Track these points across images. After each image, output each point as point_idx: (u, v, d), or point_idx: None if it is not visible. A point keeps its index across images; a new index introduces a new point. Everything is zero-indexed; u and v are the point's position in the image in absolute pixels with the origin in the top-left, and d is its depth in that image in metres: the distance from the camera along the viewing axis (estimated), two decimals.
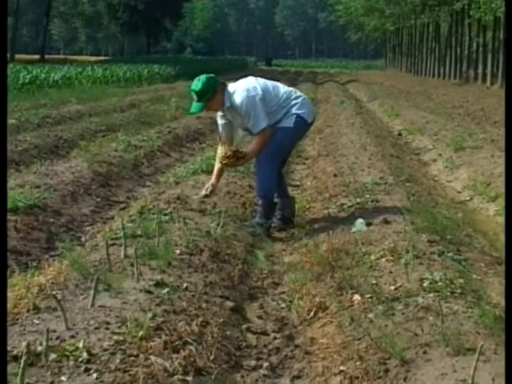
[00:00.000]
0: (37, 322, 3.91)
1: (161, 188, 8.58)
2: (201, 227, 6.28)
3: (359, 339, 4.03)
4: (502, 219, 7.10)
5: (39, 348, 3.42)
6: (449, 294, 4.41)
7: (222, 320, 4.46)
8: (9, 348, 3.50)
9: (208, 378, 3.66)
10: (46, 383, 3.17)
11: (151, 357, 3.56)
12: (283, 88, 7.12)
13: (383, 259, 5.30)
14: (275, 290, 5.54)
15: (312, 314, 4.77)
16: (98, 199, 8.60)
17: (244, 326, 4.66)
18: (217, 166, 7.22)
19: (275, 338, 4.53)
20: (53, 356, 3.39)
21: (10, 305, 4.15)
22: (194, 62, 63.81)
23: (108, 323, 3.89)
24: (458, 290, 4.45)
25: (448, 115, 18.83)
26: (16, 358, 3.35)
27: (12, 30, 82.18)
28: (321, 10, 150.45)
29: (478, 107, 22.46)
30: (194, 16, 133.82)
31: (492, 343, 3.63)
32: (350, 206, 7.25)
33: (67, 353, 3.46)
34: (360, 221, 6.44)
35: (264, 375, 4.02)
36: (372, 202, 7.26)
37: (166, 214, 6.52)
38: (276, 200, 7.15)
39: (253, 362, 4.16)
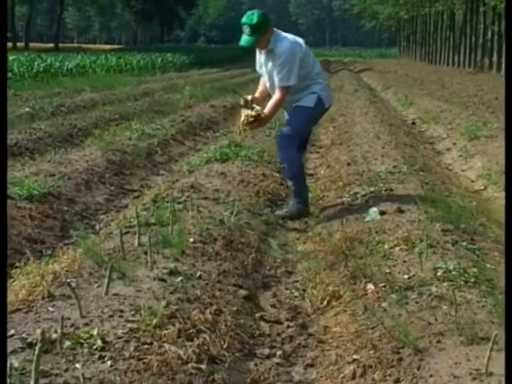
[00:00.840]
0: (51, 309, 3.93)
1: (174, 176, 8.59)
2: (214, 216, 6.28)
3: (373, 328, 4.03)
4: None
5: (54, 335, 3.43)
6: (463, 283, 4.40)
7: (235, 308, 4.46)
8: (24, 335, 3.53)
9: (222, 366, 3.67)
10: (60, 370, 3.18)
11: (165, 345, 3.57)
12: (318, 67, 7.23)
13: (397, 248, 5.29)
14: (288, 278, 5.54)
15: (325, 302, 4.77)
16: (112, 187, 8.62)
17: (257, 315, 4.67)
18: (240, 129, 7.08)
19: (288, 327, 4.53)
20: (67, 343, 3.40)
21: (24, 292, 4.18)
22: (207, 51, 63.81)
23: (122, 311, 3.90)
24: (472, 280, 4.43)
25: (462, 104, 18.74)
26: (31, 345, 3.37)
27: (26, 18, 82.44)
28: None
29: (493, 96, 22.33)
30: (208, 4, 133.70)
31: None
32: (363, 195, 7.23)
33: (81, 340, 3.47)
34: (374, 210, 6.43)
35: (277, 363, 4.02)
36: (386, 190, 7.24)
37: (179, 203, 6.53)
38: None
39: (266, 351, 4.16)
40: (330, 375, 3.79)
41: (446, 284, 4.39)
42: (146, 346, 3.52)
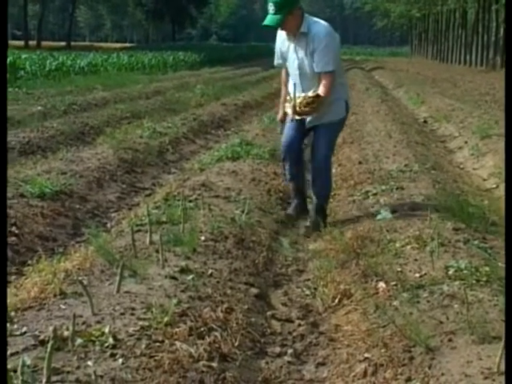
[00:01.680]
0: (63, 307, 3.94)
1: (186, 175, 8.59)
2: (226, 214, 6.29)
3: (384, 327, 4.03)
4: None
5: (66, 333, 3.44)
6: (474, 281, 4.38)
7: (246, 307, 4.47)
8: (36, 333, 3.54)
9: (233, 364, 3.67)
10: (72, 368, 3.19)
11: (176, 342, 3.58)
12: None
13: (408, 247, 5.28)
14: (300, 277, 5.54)
15: (337, 301, 4.76)
16: (124, 186, 8.64)
17: (269, 313, 4.67)
18: (288, 105, 6.45)
19: (300, 325, 4.54)
20: (79, 341, 3.41)
21: (36, 290, 4.20)
22: (219, 49, 63.83)
23: (133, 309, 3.92)
24: (484, 278, 4.42)
25: (474, 102, 18.69)
26: (43, 343, 3.38)
27: (39, 17, 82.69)
28: None
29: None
30: (219, 3, 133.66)
31: None
32: (374, 194, 7.23)
33: (93, 338, 3.48)
34: (385, 208, 6.43)
35: (288, 362, 4.03)
36: (397, 189, 7.23)
37: (190, 201, 6.54)
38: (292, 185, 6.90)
39: (277, 349, 4.17)
40: (341, 373, 3.79)
41: (457, 283, 4.38)
42: (158, 344, 3.53)
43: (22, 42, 71.94)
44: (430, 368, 3.44)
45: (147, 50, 48.53)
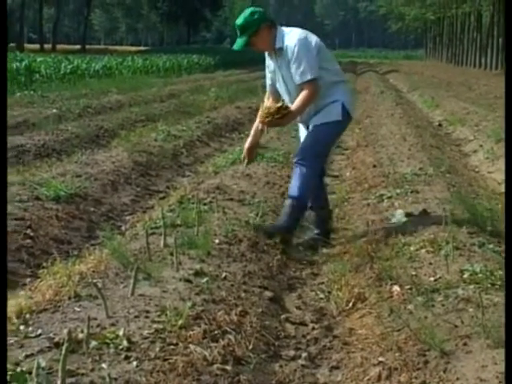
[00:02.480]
0: (78, 309, 3.95)
1: (200, 178, 8.61)
2: (240, 217, 6.29)
3: (398, 330, 4.02)
4: None
5: (80, 335, 3.45)
6: (489, 285, 4.36)
7: (260, 310, 4.47)
8: (51, 335, 3.55)
9: (247, 368, 3.67)
10: (86, 370, 3.20)
11: (190, 345, 3.58)
12: (337, 63, 6.37)
13: (423, 250, 5.27)
14: (314, 280, 5.54)
15: (351, 304, 4.76)
16: (138, 188, 8.65)
17: (283, 316, 4.67)
18: (255, 124, 6.33)
19: (314, 329, 4.53)
20: (93, 343, 3.42)
21: (51, 292, 4.21)
22: (233, 52, 63.81)
23: (148, 312, 3.92)
24: (499, 282, 4.40)
25: (489, 106, 18.59)
26: (57, 345, 3.39)
27: (54, 20, 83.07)
28: None
29: None
30: (234, 6, 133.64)
31: None
32: (389, 197, 7.21)
33: (108, 340, 3.49)
34: (399, 212, 6.41)
35: (302, 365, 4.02)
36: (412, 192, 7.21)
37: (205, 204, 6.55)
38: (315, 211, 6.45)
39: (291, 352, 4.16)
40: (355, 377, 3.78)
41: (472, 286, 4.36)
42: (172, 347, 3.53)
43: (37, 46, 72.29)
44: (444, 372, 3.43)
45: (162, 53, 48.59)
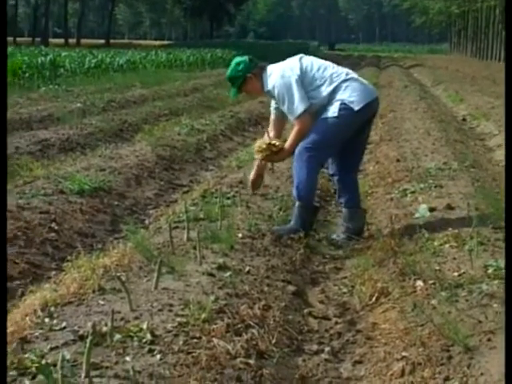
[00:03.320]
0: (102, 302, 3.98)
1: (223, 172, 8.61)
2: (263, 211, 6.30)
3: (422, 325, 4.00)
4: None
5: (104, 328, 3.48)
6: None
7: (283, 304, 4.47)
8: (75, 328, 3.58)
9: (270, 362, 3.67)
10: (110, 363, 3.22)
11: (214, 339, 3.59)
12: (333, 68, 6.11)
13: (447, 245, 5.25)
14: (337, 274, 5.53)
15: (374, 299, 4.74)
16: (162, 182, 8.68)
17: (306, 311, 4.67)
18: (255, 158, 6.51)
19: (337, 323, 4.53)
20: (117, 336, 3.44)
21: (75, 285, 4.24)
22: (256, 47, 63.71)
23: (171, 305, 3.94)
24: None
25: None
26: (82, 338, 3.42)
27: (79, 15, 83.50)
28: None
29: None
30: (257, 0, 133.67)
31: None
32: (413, 192, 7.18)
33: (131, 334, 3.51)
34: (423, 206, 6.38)
35: (325, 360, 4.02)
36: (435, 187, 7.17)
37: (228, 198, 6.56)
38: (344, 209, 6.30)
39: (314, 347, 4.16)
40: (378, 372, 3.77)
41: (496, 282, 4.33)
42: (195, 341, 3.54)
43: (62, 40, 72.65)
44: (468, 368, 3.41)
45: (185, 48, 48.62)
